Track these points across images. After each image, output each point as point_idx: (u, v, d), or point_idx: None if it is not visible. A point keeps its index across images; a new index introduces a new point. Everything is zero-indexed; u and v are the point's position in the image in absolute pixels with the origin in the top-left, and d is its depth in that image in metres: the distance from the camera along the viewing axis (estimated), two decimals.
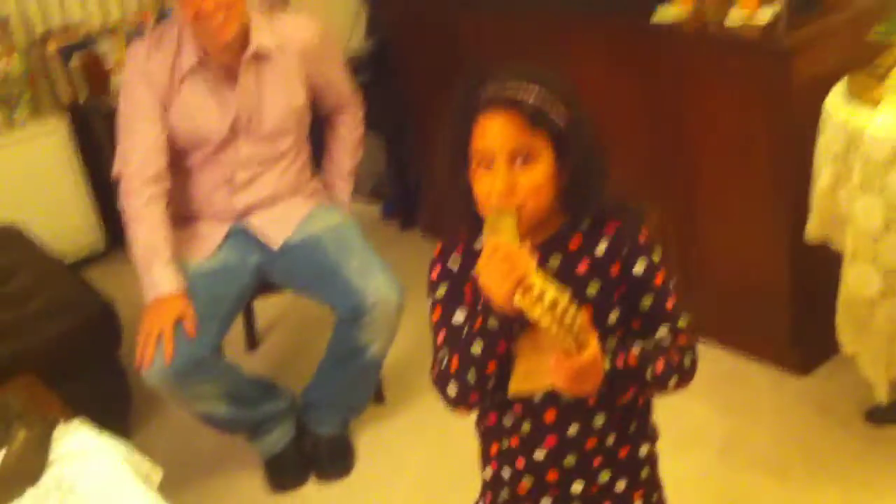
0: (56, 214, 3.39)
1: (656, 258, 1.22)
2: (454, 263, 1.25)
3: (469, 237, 1.25)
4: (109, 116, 2.65)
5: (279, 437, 2.32)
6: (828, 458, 2.11)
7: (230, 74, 2.16)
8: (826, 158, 1.93)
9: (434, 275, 1.27)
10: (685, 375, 1.23)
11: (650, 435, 1.33)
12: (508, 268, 1.06)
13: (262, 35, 2.15)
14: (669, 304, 1.23)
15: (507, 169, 1.14)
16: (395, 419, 2.47)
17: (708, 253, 2.46)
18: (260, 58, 2.16)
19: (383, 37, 3.36)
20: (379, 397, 2.52)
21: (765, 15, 2.14)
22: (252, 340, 2.90)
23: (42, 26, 3.50)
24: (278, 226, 2.30)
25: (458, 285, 1.23)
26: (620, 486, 1.30)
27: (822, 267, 2.07)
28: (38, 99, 3.44)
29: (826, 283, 2.04)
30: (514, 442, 1.28)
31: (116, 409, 2.47)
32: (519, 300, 1.05)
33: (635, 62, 2.42)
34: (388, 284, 2.17)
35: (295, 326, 3.00)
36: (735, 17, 2.18)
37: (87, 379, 2.36)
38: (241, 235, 2.29)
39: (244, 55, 2.14)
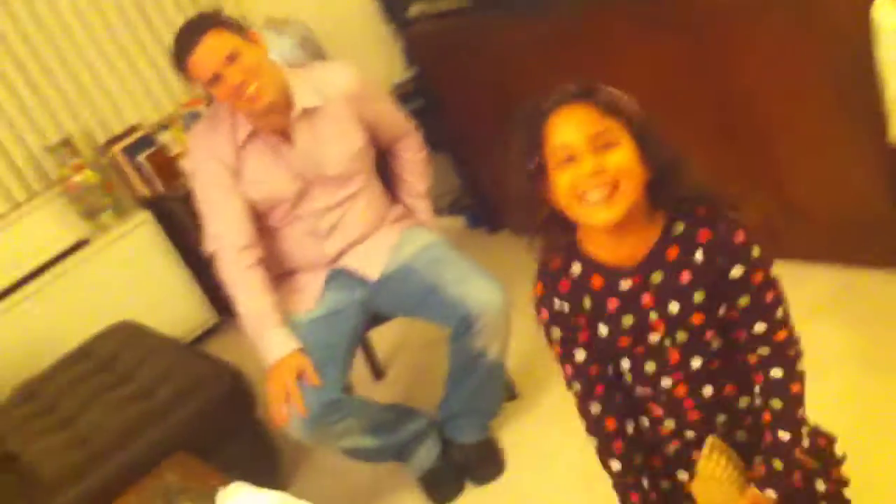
0: (164, 301, 3.55)
1: (755, 254, 1.20)
2: (562, 306, 1.28)
3: (564, 260, 1.27)
4: (186, 198, 2.76)
5: (426, 454, 2.38)
6: None
7: (286, 134, 2.23)
8: (892, 68, 1.88)
9: (544, 315, 1.31)
10: (801, 375, 1.25)
11: None
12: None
13: (305, 92, 2.21)
14: (769, 298, 1.22)
15: (591, 154, 1.15)
16: (533, 412, 2.51)
17: (801, 191, 2.42)
18: (309, 113, 2.22)
19: (423, 62, 3.42)
20: (511, 395, 2.56)
21: None
22: (377, 371, 2.98)
23: (103, 136, 3.68)
24: (372, 259, 2.37)
25: (572, 325, 1.29)
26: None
27: None
28: (119, 202, 3.61)
29: None
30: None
31: (267, 466, 2.58)
32: None
33: (676, 33, 2.37)
34: (489, 288, 2.21)
35: (415, 348, 3.07)
36: None
37: (234, 444, 2.48)
38: (340, 277, 2.36)
39: (292, 115, 2.20)
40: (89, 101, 3.61)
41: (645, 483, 1.35)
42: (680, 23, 2.35)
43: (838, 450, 1.38)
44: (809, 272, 2.43)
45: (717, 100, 2.42)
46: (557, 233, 1.25)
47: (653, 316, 1.24)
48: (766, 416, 1.24)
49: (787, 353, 1.23)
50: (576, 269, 1.27)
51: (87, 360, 2.82)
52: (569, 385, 1.35)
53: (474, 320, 2.19)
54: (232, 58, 2.07)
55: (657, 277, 1.22)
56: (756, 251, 1.20)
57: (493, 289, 2.21)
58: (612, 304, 1.25)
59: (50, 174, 3.53)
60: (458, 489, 2.39)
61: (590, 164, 1.15)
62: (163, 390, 2.51)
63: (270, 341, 2.16)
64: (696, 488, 1.30)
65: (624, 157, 1.16)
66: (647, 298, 1.23)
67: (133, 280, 3.51)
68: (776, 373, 1.23)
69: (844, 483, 1.38)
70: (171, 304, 3.58)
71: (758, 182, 2.44)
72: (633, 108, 1.18)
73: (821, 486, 1.33)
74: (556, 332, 1.32)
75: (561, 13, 2.61)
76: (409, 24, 3.39)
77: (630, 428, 1.35)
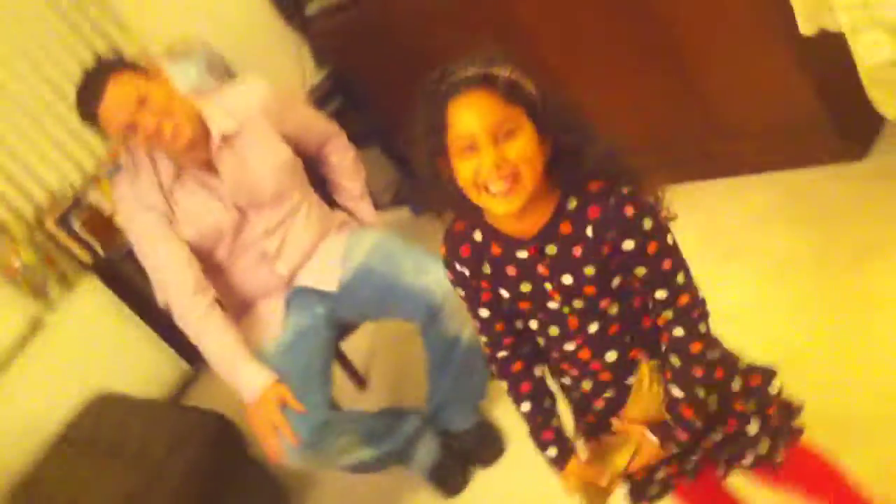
0: (132, 363, 3.49)
1: (647, 227, 1.20)
2: (462, 269, 1.32)
3: (466, 225, 1.30)
4: (130, 254, 2.70)
5: (426, 451, 2.37)
6: None
7: (210, 166, 2.19)
8: None
9: (449, 276, 1.36)
10: (704, 337, 1.27)
11: None
12: None
13: (220, 118, 2.17)
14: (666, 266, 1.23)
15: (492, 146, 1.15)
16: None
17: (730, 107, 2.44)
18: (229, 139, 2.18)
19: (333, 58, 3.38)
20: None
21: None
22: (358, 380, 2.96)
23: (30, 207, 3.58)
24: (326, 271, 2.34)
25: (473, 287, 1.33)
26: None
27: (832, 55, 2.04)
28: (63, 273, 3.53)
29: (842, 67, 2.00)
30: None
31: (271, 497, 2.56)
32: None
33: None
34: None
35: (390, 349, 3.05)
36: None
37: (237, 487, 2.45)
38: (299, 297, 2.33)
39: (212, 145, 2.16)
40: (7, 178, 3.49)
41: (555, 423, 1.39)
42: None
43: (777, 382, 1.38)
44: (754, 183, 2.46)
45: (638, 26, 2.42)
46: (463, 209, 1.26)
47: (548, 286, 1.27)
48: (666, 374, 1.28)
49: (691, 315, 1.25)
50: (477, 235, 1.29)
51: (70, 445, 2.76)
52: (479, 335, 1.40)
53: (440, 307, 2.17)
54: (142, 101, 2.02)
55: (552, 250, 1.24)
56: (647, 223, 1.20)
57: None
58: (511, 270, 1.28)
59: None
60: (466, 477, 2.39)
61: (491, 155, 1.15)
62: (154, 451, 2.46)
63: (245, 379, 2.13)
64: (629, 404, 1.31)
65: (524, 145, 1.16)
66: (542, 269, 1.26)
67: (96, 349, 3.44)
68: (678, 332, 1.25)
69: (789, 414, 1.39)
70: (140, 365, 3.52)
71: (687, 106, 2.45)
72: (534, 91, 1.18)
73: (753, 427, 1.34)
74: (460, 292, 1.37)
75: None
76: (310, 23, 3.35)
77: (538, 372, 1.39)
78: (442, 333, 2.22)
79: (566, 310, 1.28)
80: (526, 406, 1.39)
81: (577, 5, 2.44)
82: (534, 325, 1.35)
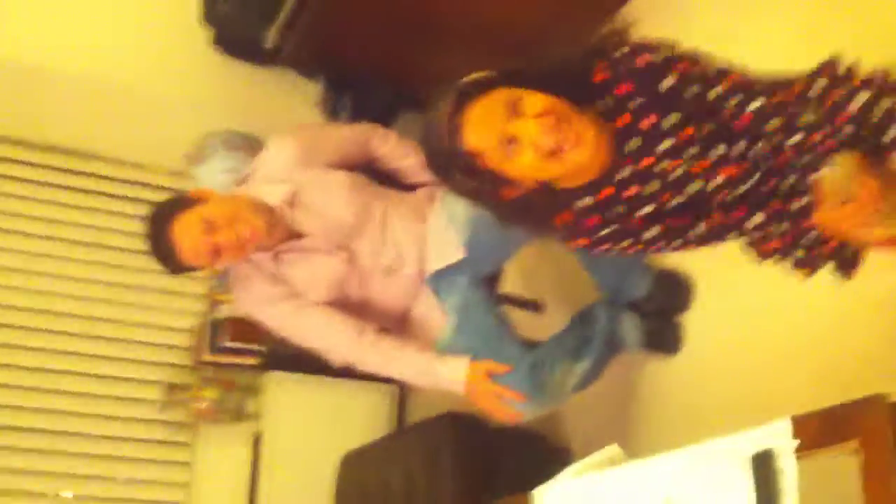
0: (350, 415, 3.62)
1: (659, 59, 1.26)
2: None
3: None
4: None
5: (630, 328, 2.42)
6: None
7: (293, 233, 2.27)
8: None
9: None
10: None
11: None
12: None
13: (272, 192, 2.24)
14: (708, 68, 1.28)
15: (519, 119, 1.21)
16: None
17: None
18: (290, 202, 2.25)
19: (320, 68, 3.38)
20: None
21: None
22: (535, 307, 3.01)
23: (181, 355, 3.74)
24: (444, 245, 2.38)
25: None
26: None
27: None
28: (247, 386, 3.68)
29: None
30: None
31: (534, 447, 2.69)
32: None
33: None
34: None
35: (541, 267, 3.08)
36: None
37: (500, 459, 2.58)
38: (439, 281, 2.38)
39: (283, 217, 2.23)
40: (146, 343, 3.64)
41: None
42: None
43: None
44: None
45: None
46: (551, 206, 1.34)
47: (664, 165, 1.30)
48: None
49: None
50: (587, 201, 1.35)
51: None
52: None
53: None
54: (209, 226, 2.09)
55: (636, 143, 1.30)
56: (659, 55, 1.25)
57: None
58: (632, 190, 1.34)
59: (184, 420, 3.64)
60: (677, 331, 2.42)
61: (527, 123, 1.20)
62: (417, 476, 2.61)
63: (446, 376, 2.22)
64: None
65: (537, 97, 1.22)
66: (646, 161, 1.30)
67: (314, 424, 3.63)
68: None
69: None
70: (355, 414, 3.65)
71: None
72: (524, 66, 1.25)
73: None
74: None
75: None
76: (278, 52, 3.34)
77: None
78: None
79: (686, 165, 1.32)
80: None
81: None
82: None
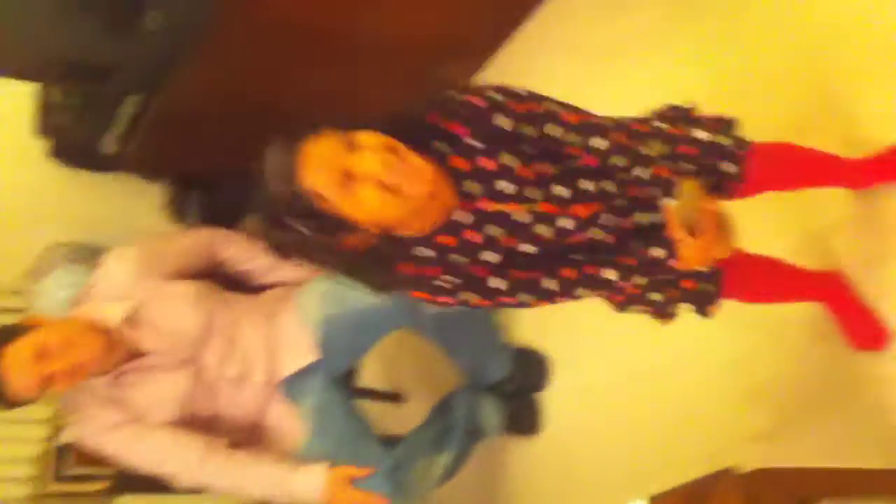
0: None
1: (497, 96, 1.27)
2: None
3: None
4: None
5: (491, 413, 2.40)
6: None
7: (134, 351, 2.14)
8: None
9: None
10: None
11: None
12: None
13: (109, 312, 2.12)
14: (541, 108, 1.31)
15: (353, 154, 1.18)
16: None
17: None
18: (132, 319, 2.14)
19: (165, 168, 3.30)
20: None
21: None
22: (394, 398, 2.95)
23: (24, 487, 3.46)
24: (296, 347, 2.29)
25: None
26: None
27: None
28: None
29: None
30: None
31: None
32: None
33: None
34: None
35: (401, 355, 3.04)
36: None
37: None
38: (291, 384, 2.29)
39: (122, 336, 2.11)
40: None
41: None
42: None
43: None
44: None
45: None
46: (393, 252, 1.30)
47: (502, 207, 1.31)
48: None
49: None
50: (426, 252, 1.31)
51: None
52: None
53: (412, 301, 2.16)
54: (41, 355, 1.95)
55: (477, 189, 1.29)
56: (493, 97, 1.26)
57: None
58: (470, 235, 1.31)
59: None
60: (536, 409, 2.42)
61: (364, 159, 1.18)
62: None
63: (302, 485, 2.12)
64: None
65: (376, 135, 1.21)
66: (483, 204, 1.29)
67: None
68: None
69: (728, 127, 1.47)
70: None
71: None
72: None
73: None
74: None
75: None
76: (118, 157, 3.24)
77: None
78: (431, 316, 2.23)
79: (528, 207, 1.31)
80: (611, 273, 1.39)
81: None
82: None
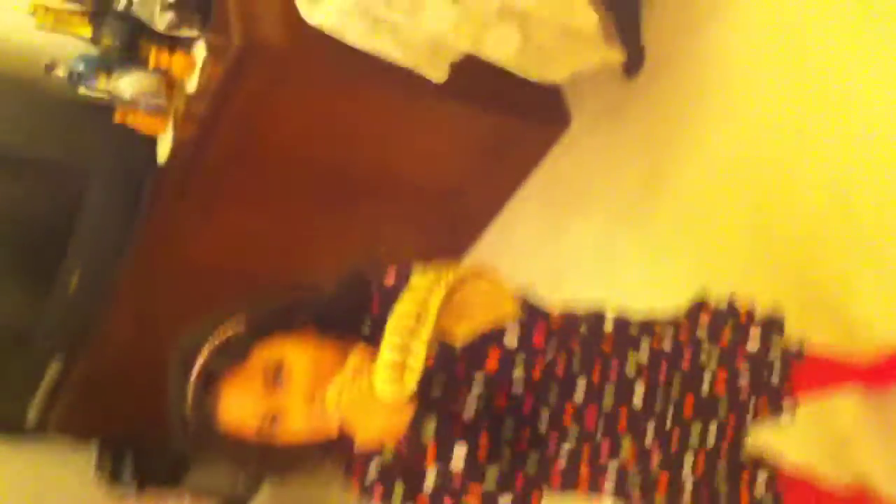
0: None
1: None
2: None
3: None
4: None
5: None
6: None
7: None
8: None
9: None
10: None
11: None
12: None
13: None
14: None
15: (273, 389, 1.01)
16: None
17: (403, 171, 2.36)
18: None
19: (96, 432, 3.09)
20: None
21: None
22: None
23: None
24: None
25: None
26: None
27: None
28: None
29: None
30: None
31: None
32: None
33: None
34: None
35: None
36: None
37: None
38: None
39: None
40: None
41: None
42: None
43: None
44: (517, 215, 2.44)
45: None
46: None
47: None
48: None
49: None
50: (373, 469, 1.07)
51: None
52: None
53: None
54: None
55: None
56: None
57: None
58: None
59: None
60: None
61: (289, 398, 1.00)
62: None
63: None
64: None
65: (307, 360, 1.02)
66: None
67: None
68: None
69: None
70: None
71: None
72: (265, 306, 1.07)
73: None
74: None
75: None
76: (46, 424, 2.99)
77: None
78: None
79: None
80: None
81: None
82: None
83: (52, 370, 2.77)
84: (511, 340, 1.08)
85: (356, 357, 0.98)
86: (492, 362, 1.07)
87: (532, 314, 1.10)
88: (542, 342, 1.09)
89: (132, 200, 2.30)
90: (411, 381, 0.92)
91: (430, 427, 1.02)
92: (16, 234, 2.36)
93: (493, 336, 1.05)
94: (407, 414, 0.98)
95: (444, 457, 1.01)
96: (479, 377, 1.08)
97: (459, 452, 1.01)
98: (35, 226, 2.36)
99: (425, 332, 0.92)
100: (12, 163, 2.27)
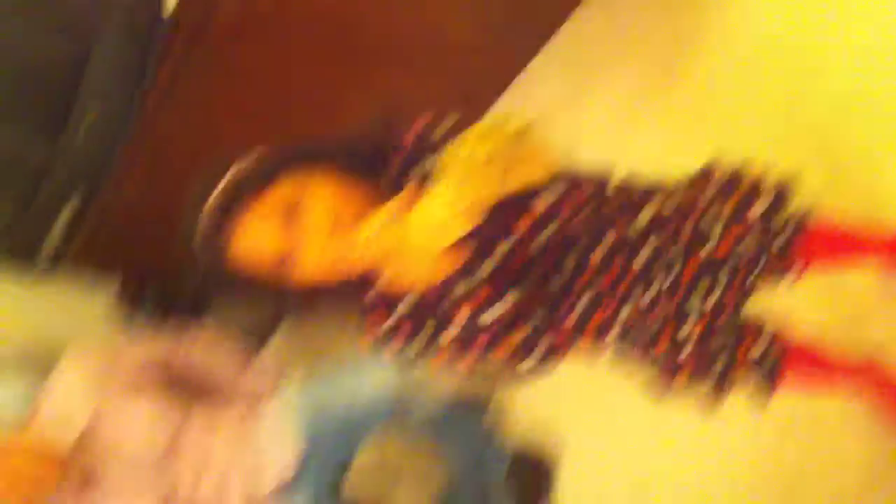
0: None
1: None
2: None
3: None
4: None
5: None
6: None
7: (88, 479, 1.95)
8: None
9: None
10: None
11: None
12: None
13: (61, 439, 1.93)
14: None
15: (290, 222, 1.00)
16: None
17: None
18: (82, 440, 1.96)
19: None
20: None
21: None
22: None
23: None
24: (276, 459, 2.12)
25: None
26: None
27: None
28: None
29: None
30: None
31: None
32: None
33: None
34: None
35: None
36: None
37: None
38: (278, 500, 2.11)
39: (77, 463, 1.92)
40: None
41: None
42: None
43: None
44: None
45: None
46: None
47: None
48: None
49: None
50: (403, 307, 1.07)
51: None
52: None
53: (400, 398, 2.11)
54: None
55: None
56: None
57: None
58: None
59: None
60: None
61: (305, 237, 0.99)
62: None
63: None
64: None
65: (324, 198, 1.00)
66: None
67: None
68: None
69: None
70: None
71: None
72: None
73: None
74: None
75: None
76: (61, 259, 3.05)
77: None
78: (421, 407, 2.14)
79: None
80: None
81: None
82: None
83: (69, 209, 2.81)
84: (544, 203, 1.06)
85: (401, 199, 0.96)
86: (523, 223, 1.06)
87: (566, 179, 1.09)
88: (575, 206, 1.08)
89: (144, 43, 2.26)
90: (462, 229, 0.94)
91: (485, 271, 1.04)
92: (29, 71, 2.33)
93: (528, 195, 1.04)
94: (450, 260, 0.99)
95: (492, 301, 1.01)
96: (509, 235, 1.07)
97: (507, 299, 1.02)
98: (49, 65, 2.33)
99: (478, 184, 0.93)
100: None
